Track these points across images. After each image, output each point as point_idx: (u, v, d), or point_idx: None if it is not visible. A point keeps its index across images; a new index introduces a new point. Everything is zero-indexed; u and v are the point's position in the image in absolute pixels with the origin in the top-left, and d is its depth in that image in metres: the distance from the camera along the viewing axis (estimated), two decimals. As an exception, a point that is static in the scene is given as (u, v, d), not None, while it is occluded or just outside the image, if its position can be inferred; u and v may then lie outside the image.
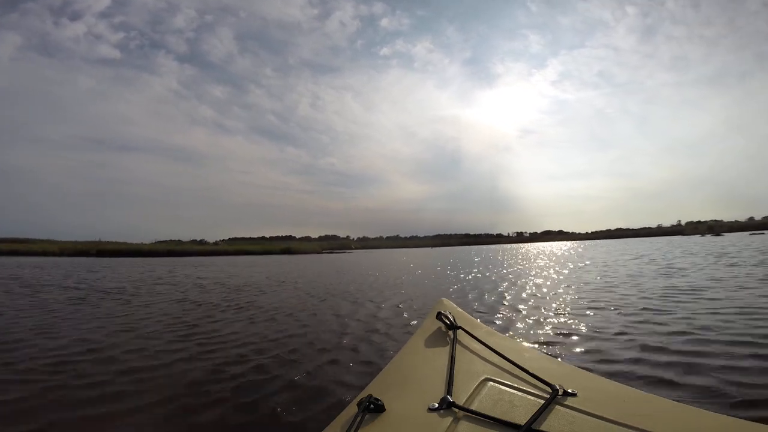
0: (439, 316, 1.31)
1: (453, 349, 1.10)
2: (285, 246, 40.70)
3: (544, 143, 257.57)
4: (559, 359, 1.34)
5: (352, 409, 0.84)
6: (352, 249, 79.69)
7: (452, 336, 1.21)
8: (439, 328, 1.30)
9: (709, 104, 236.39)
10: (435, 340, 1.24)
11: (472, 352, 1.12)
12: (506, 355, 1.03)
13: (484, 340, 1.14)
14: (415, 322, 4.25)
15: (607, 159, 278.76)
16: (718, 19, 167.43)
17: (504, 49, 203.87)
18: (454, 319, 1.28)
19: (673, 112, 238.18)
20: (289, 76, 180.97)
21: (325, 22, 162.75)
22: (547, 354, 1.43)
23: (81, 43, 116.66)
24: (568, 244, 67.38)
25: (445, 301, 1.52)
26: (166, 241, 49.02)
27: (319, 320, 4.58)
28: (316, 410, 2.10)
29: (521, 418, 0.75)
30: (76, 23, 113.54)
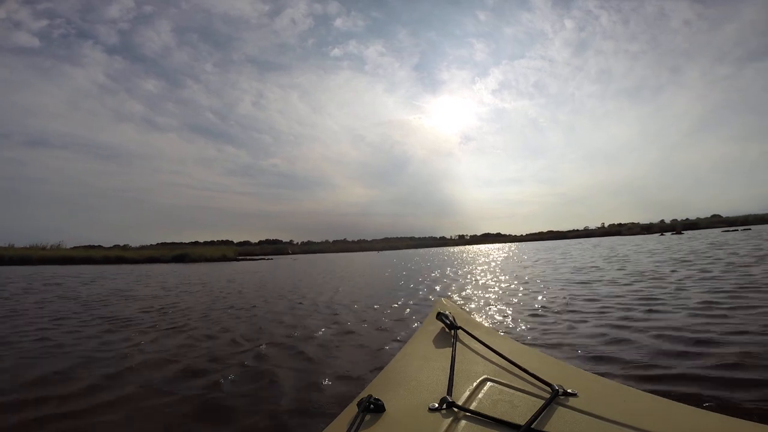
0: (440, 316, 1.27)
1: (453, 349, 1.05)
2: (179, 252, 28.90)
3: (482, 150, 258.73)
4: (559, 359, 1.13)
5: (352, 409, 0.80)
6: (289, 254, 70.70)
7: (452, 336, 1.16)
8: (440, 328, 1.26)
9: (627, 116, 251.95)
10: (435, 340, 1.20)
11: (472, 352, 1.08)
12: (506, 355, 0.99)
13: (484, 340, 1.10)
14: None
15: (537, 166, 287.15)
16: (643, 35, 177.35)
17: (451, 57, 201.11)
18: (454, 319, 1.24)
19: (595, 122, 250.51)
20: (230, 72, 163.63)
21: (275, 18, 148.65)
22: (547, 354, 1.19)
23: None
24: (513, 245, 61.55)
25: (445, 301, 1.50)
26: (83, 247, 36.21)
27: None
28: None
29: (521, 418, 0.71)
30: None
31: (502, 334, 1.27)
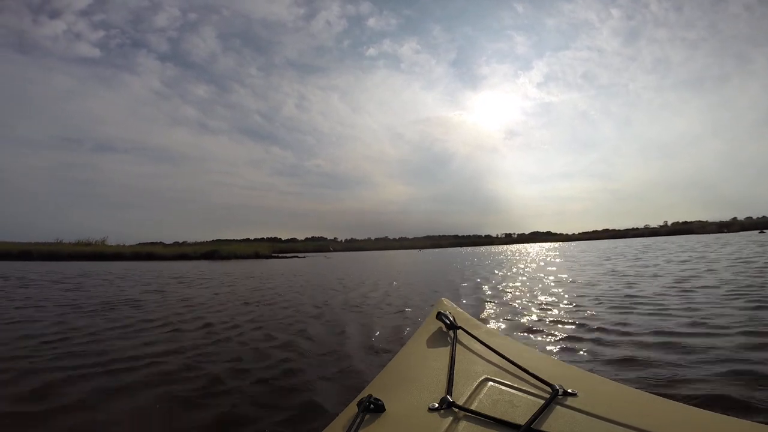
0: (440, 316, 1.22)
1: (453, 349, 1.02)
2: (211, 249, 26.82)
3: (528, 145, 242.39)
4: (559, 359, 1.15)
5: (352, 409, 0.79)
6: (330, 250, 69.85)
7: (452, 336, 1.12)
8: (440, 328, 1.22)
9: (688, 107, 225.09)
10: (435, 340, 1.17)
11: (472, 352, 1.05)
12: (506, 355, 0.96)
13: (484, 340, 1.07)
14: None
15: (588, 160, 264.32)
16: (700, 21, 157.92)
17: (489, 51, 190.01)
18: (454, 319, 1.20)
19: (652, 114, 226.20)
20: (273, 76, 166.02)
21: (310, 21, 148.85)
22: (547, 354, 1.23)
23: (59, 42, 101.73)
24: (569, 245, 55.03)
25: (445, 301, 1.45)
26: (145, 244, 38.59)
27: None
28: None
29: (521, 418, 0.70)
30: (56, 21, 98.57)
31: (501, 334, 1.27)
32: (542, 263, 13.07)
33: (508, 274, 9.31)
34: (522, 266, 11.99)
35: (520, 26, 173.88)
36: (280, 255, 32.42)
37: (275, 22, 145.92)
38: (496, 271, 10.18)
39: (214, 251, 26.38)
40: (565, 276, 7.99)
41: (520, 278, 8.08)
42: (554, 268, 10.24)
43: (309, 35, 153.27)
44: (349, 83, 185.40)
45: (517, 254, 23.97)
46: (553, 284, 6.66)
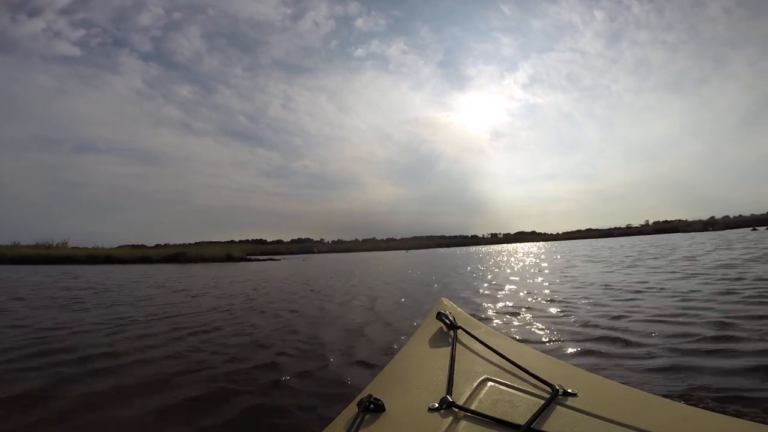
0: (440, 316, 1.21)
1: (453, 349, 1.01)
2: (176, 252, 24.16)
3: (514, 146, 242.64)
4: (559, 359, 1.10)
5: (352, 409, 0.78)
6: (315, 252, 71.07)
7: (452, 336, 1.11)
8: (440, 328, 1.21)
9: (669, 109, 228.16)
10: (435, 340, 1.16)
11: (472, 352, 1.04)
12: (506, 355, 0.95)
13: (484, 340, 1.06)
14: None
15: (572, 162, 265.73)
16: (680, 24, 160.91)
17: (476, 52, 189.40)
18: (454, 319, 1.19)
19: (634, 116, 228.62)
20: (259, 76, 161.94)
21: (298, 21, 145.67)
22: (547, 354, 1.15)
23: (39, 40, 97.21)
24: (555, 244, 54.02)
25: (446, 301, 1.43)
26: (126, 246, 34.99)
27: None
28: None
29: (521, 418, 0.70)
30: (35, 19, 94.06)
31: (502, 334, 1.23)
32: (560, 265, 11.03)
33: (553, 291, 7.18)
34: (541, 271, 9.92)
35: (507, 28, 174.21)
36: (254, 258, 29.76)
37: (262, 22, 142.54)
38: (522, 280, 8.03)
39: (180, 254, 23.68)
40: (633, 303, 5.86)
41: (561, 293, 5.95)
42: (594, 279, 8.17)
43: (296, 35, 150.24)
44: (337, 84, 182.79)
45: (522, 256, 22.09)
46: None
